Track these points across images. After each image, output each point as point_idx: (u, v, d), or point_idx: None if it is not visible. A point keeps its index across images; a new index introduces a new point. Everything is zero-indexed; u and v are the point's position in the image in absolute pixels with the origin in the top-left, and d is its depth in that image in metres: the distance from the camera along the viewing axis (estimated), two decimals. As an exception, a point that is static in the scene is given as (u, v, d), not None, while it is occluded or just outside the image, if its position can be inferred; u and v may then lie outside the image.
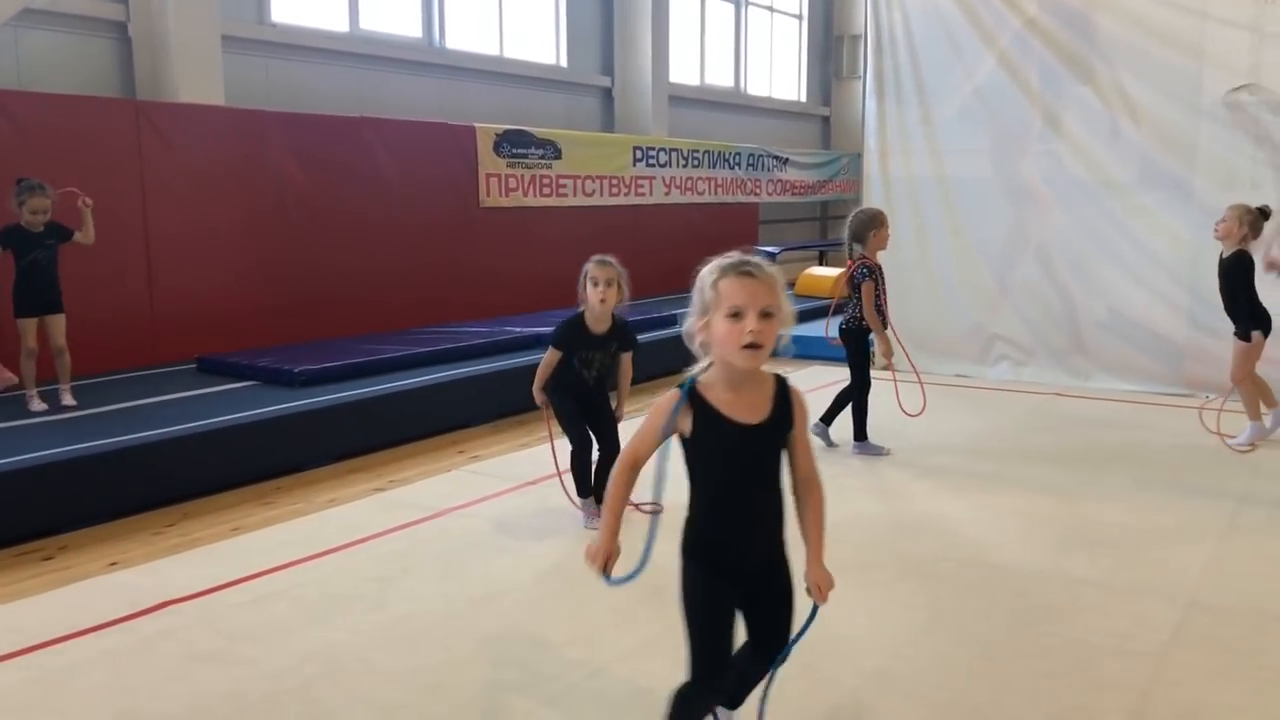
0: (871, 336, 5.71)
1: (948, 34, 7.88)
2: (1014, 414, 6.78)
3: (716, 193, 13.12)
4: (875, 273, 5.69)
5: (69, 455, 4.72)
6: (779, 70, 15.83)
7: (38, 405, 5.60)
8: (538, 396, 4.66)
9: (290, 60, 8.78)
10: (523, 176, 10.19)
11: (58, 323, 5.72)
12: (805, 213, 16.18)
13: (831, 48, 16.60)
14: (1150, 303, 7.36)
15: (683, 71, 13.37)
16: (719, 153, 13.14)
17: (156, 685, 3.09)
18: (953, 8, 7.81)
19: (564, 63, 11.88)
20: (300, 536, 4.50)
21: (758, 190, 13.97)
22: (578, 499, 4.74)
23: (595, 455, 4.72)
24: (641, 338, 7.97)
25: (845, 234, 5.86)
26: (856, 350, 5.79)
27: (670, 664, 2.54)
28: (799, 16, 16.11)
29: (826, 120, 16.81)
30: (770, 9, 15.49)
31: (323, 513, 4.90)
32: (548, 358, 4.62)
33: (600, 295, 4.50)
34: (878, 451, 5.79)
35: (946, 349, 8.06)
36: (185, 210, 7.32)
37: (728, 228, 13.40)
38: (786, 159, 14.60)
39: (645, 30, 12.24)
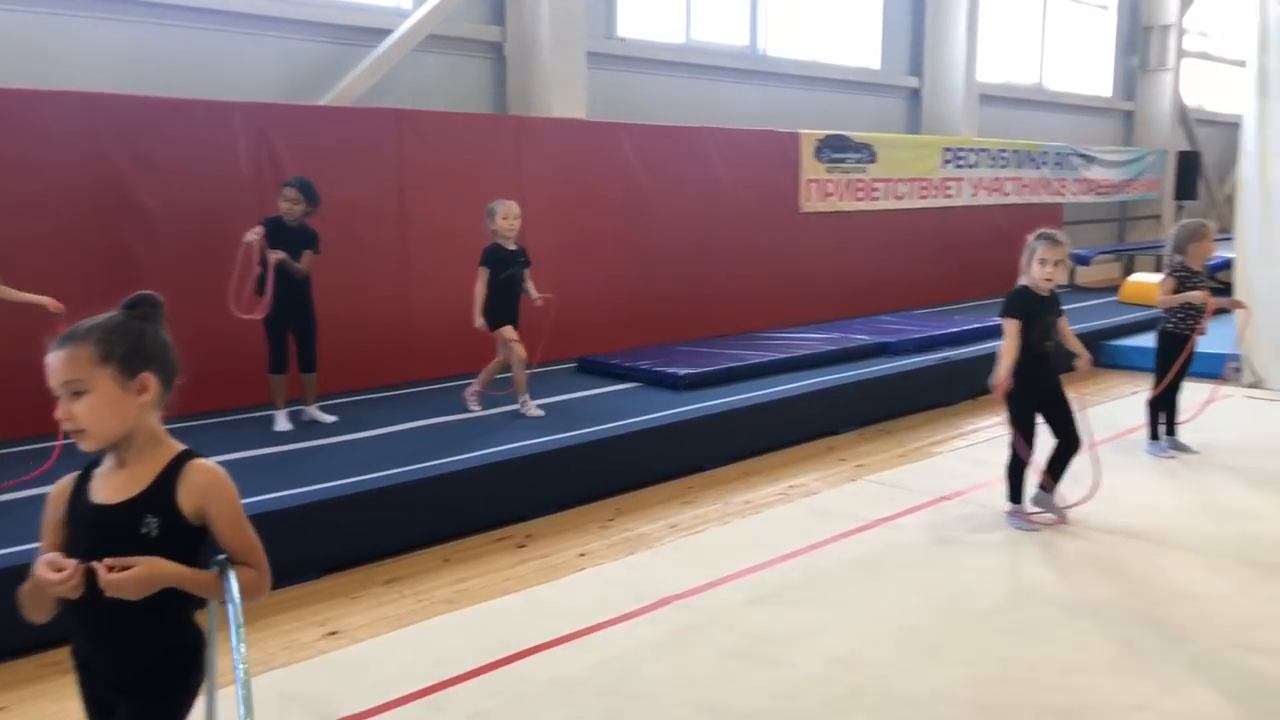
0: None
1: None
2: None
3: (1022, 193, 12.69)
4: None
5: (531, 450, 5.16)
6: (1082, 63, 15.10)
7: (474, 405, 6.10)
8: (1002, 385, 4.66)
9: (633, 72, 9.16)
10: (840, 181, 10.22)
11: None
12: (1105, 213, 15.38)
13: (1139, 38, 15.67)
14: None
15: (985, 68, 12.98)
16: (1026, 152, 12.71)
17: (714, 680, 3.33)
18: (1357, -2, 7.22)
19: (876, 65, 11.80)
20: (750, 540, 4.71)
21: (1062, 190, 13.41)
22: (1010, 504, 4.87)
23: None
24: (969, 350, 7.79)
25: (1168, 244, 6.04)
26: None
27: None
28: (1105, 6, 15.30)
29: (1129, 115, 15.90)
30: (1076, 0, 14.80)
31: (749, 517, 5.11)
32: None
33: (1048, 274, 4.62)
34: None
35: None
36: (555, 220, 7.78)
37: (1032, 230, 12.93)
38: (1092, 157, 13.94)
39: (958, 27, 11.97)
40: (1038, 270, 4.67)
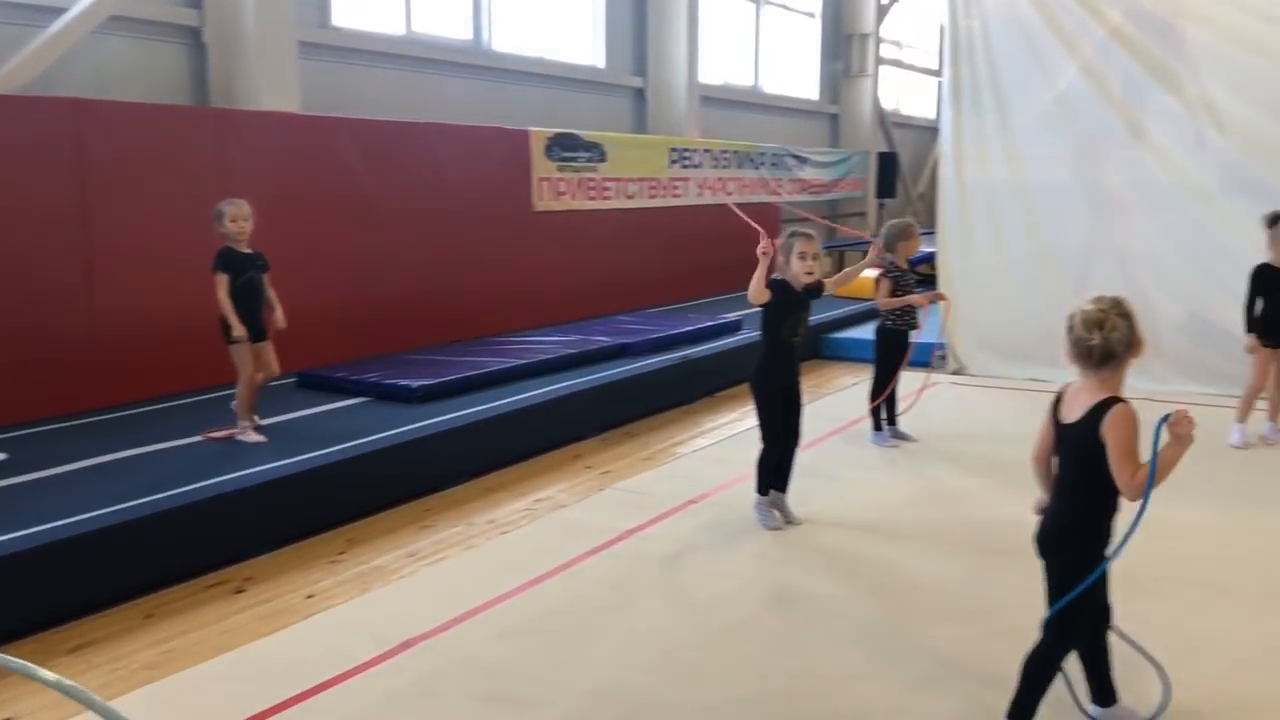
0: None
1: (1028, 42, 7.96)
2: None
3: (744, 193, 13.13)
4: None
5: (246, 482, 4.61)
6: (793, 68, 15.87)
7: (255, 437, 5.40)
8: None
9: (351, 64, 8.60)
10: (571, 180, 10.11)
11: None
12: (816, 212, 16.24)
13: (841, 46, 16.67)
14: (1230, 307, 7.49)
15: (706, 70, 13.31)
16: (745, 153, 13.16)
17: (467, 732, 3.03)
18: (1034, 15, 7.90)
19: (601, 64, 11.79)
20: (497, 564, 4.42)
21: (779, 189, 14.00)
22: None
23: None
24: (705, 347, 7.98)
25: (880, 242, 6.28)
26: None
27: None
28: (811, 14, 16.15)
29: (835, 118, 16.89)
30: (786, 7, 15.50)
31: (495, 539, 4.83)
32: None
33: (809, 268, 4.69)
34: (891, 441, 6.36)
35: (1020, 352, 8.15)
36: (268, 222, 7.12)
37: (749, 230, 13.44)
38: (805, 158, 14.66)
39: (679, 29, 12.19)
40: (798, 265, 4.70)
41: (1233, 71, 7.29)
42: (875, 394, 6.35)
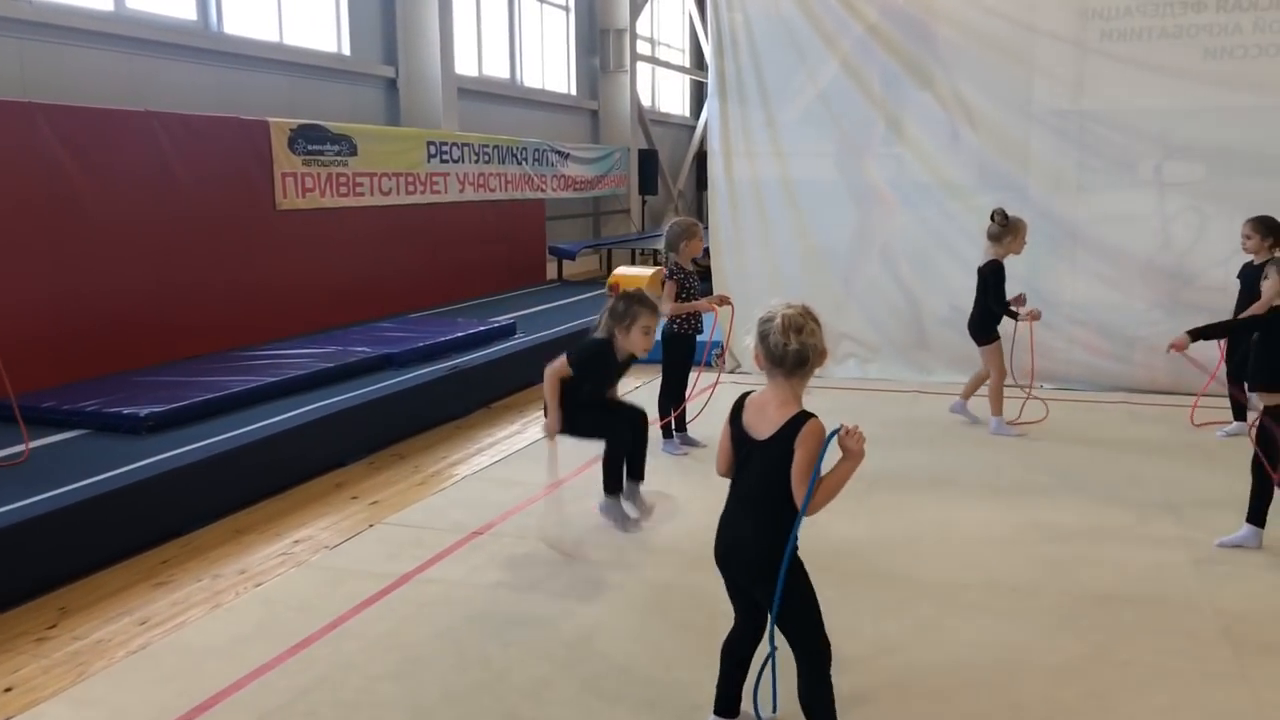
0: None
1: (790, 37, 7.94)
2: (893, 415, 6.96)
3: (507, 189, 12.65)
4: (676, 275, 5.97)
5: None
6: (550, 62, 15.51)
7: None
8: None
9: (51, 42, 7.43)
10: (320, 175, 9.29)
11: None
12: (581, 209, 16.01)
13: (597, 40, 16.47)
14: (987, 297, 7.79)
15: (462, 62, 12.71)
16: (508, 148, 12.67)
17: None
18: (794, 11, 7.88)
19: (347, 50, 10.95)
20: (250, 628, 3.75)
21: (543, 186, 13.62)
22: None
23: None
24: (478, 354, 7.56)
25: (663, 243, 6.12)
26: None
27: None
28: (566, 8, 15.84)
29: (595, 114, 16.68)
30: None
31: (247, 593, 4.14)
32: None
33: (646, 345, 4.62)
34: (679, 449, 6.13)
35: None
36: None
37: (519, 226, 13.01)
38: (568, 154, 14.35)
39: (431, 16, 11.52)
40: (639, 339, 4.51)
41: (980, 70, 7.54)
42: (665, 401, 6.07)
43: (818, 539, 4.16)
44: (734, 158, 8.24)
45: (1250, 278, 5.85)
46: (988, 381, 6.48)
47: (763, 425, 2.65)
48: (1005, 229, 6.24)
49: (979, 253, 6.64)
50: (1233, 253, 7.13)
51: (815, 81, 7.95)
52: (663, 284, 5.96)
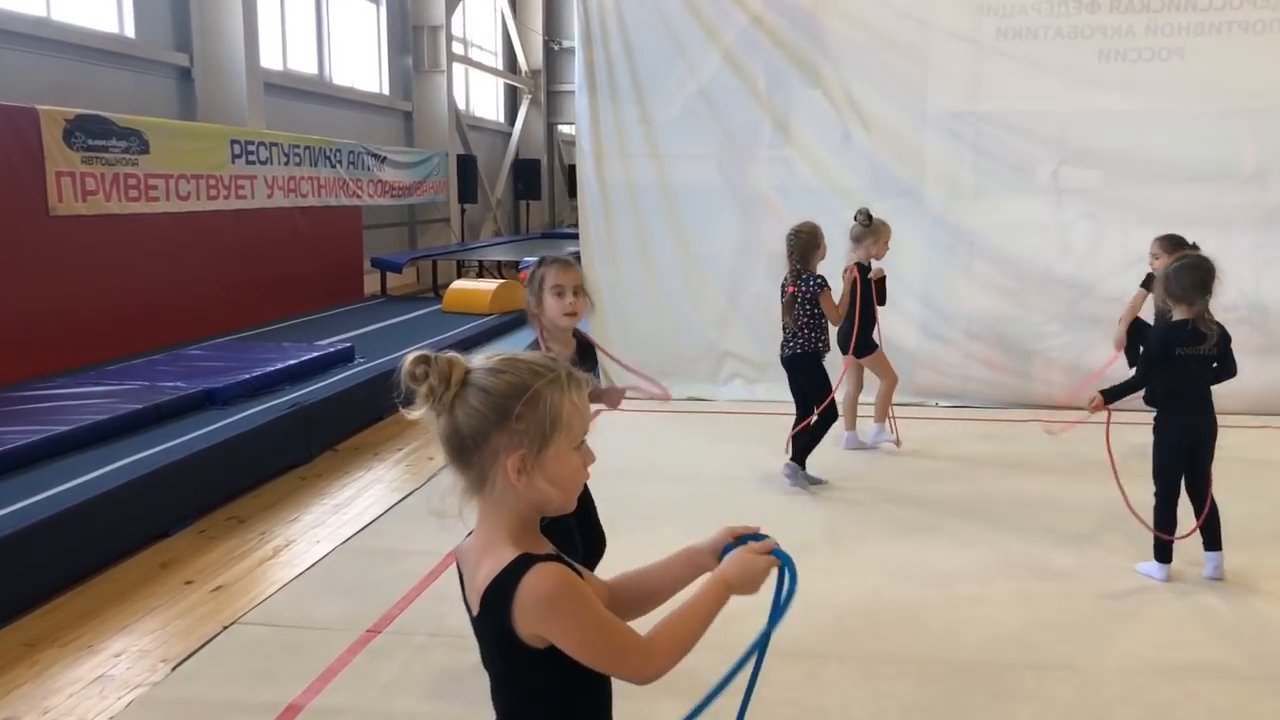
0: None
1: (667, 27, 7.19)
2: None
3: (320, 194, 11.30)
4: None
5: None
6: (361, 59, 14.17)
7: None
8: None
9: None
10: (104, 175, 7.78)
11: None
12: (398, 217, 14.73)
13: (410, 38, 15.23)
14: (882, 312, 7.29)
15: (267, 53, 11.26)
16: (320, 149, 11.33)
17: None
18: (672, -2, 7.13)
19: (130, 32, 9.36)
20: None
21: (359, 192, 12.32)
22: None
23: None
24: (316, 386, 6.43)
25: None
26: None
27: None
28: (375, 1, 14.53)
29: (409, 116, 15.41)
30: (348, -11, 13.77)
31: (60, 746, 2.93)
32: None
33: (569, 308, 3.28)
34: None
35: (677, 370, 7.37)
36: None
37: (333, 235, 11.68)
38: (384, 157, 13.08)
39: (233, 1, 10.07)
40: (554, 304, 3.29)
41: (872, 67, 7.04)
42: None
43: (727, 611, 3.41)
44: (606, 159, 7.40)
45: None
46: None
47: (472, 590, 1.54)
48: (868, 230, 5.72)
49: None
50: (1131, 262, 6.91)
51: (695, 77, 7.23)
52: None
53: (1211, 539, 4.10)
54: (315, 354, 7.18)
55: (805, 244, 5.34)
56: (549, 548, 1.55)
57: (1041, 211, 7.06)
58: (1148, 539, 4.16)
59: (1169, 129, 6.73)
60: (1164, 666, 3.41)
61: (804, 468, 5.34)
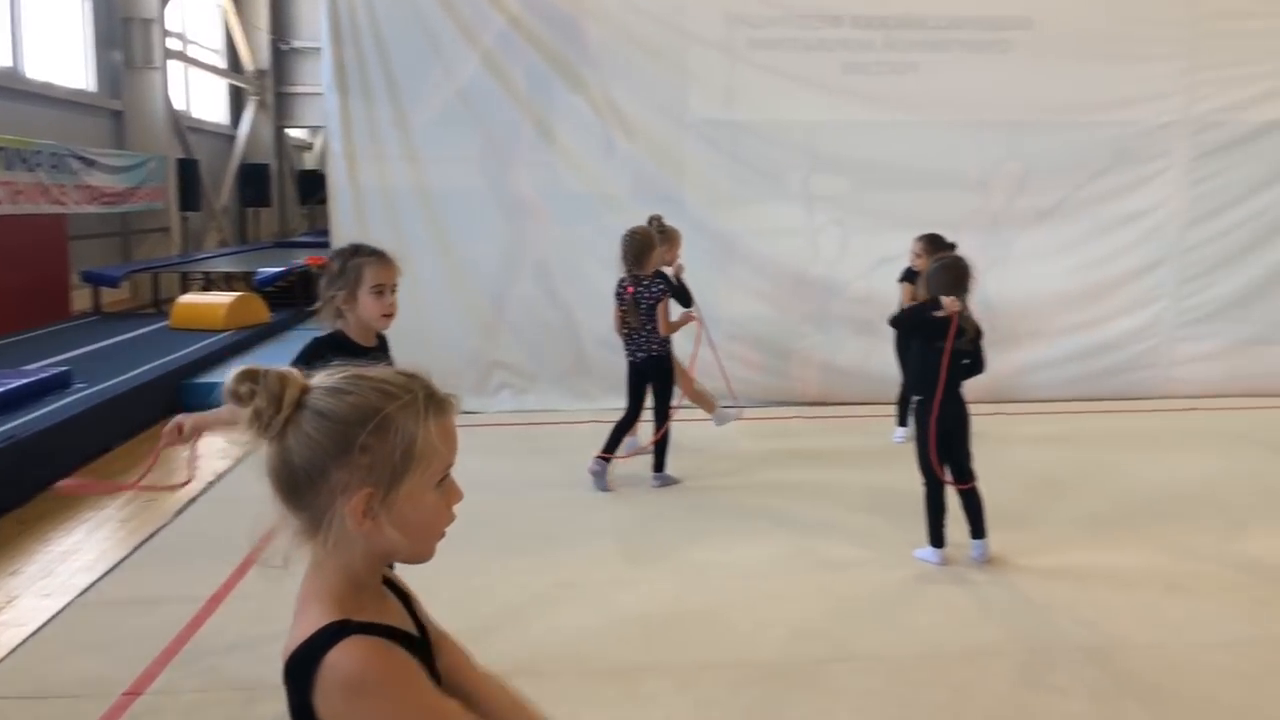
0: None
1: (422, 25, 6.88)
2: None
3: (17, 201, 10.04)
4: None
5: None
6: (62, 52, 12.74)
7: None
8: None
9: None
10: None
11: None
12: (110, 226, 13.36)
13: (119, 31, 13.87)
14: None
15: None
16: (15, 150, 10.06)
17: None
18: (426, -6, 6.84)
19: None
20: None
21: (64, 198, 11.05)
22: None
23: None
24: (30, 417, 5.81)
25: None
26: None
27: None
28: (77, -13, 13.14)
29: (120, 115, 14.02)
30: (44, -28, 12.34)
31: None
32: None
33: (388, 308, 3.03)
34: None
35: (441, 382, 7.06)
36: None
37: (34, 247, 10.42)
38: (93, 161, 11.81)
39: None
40: (372, 305, 2.95)
41: (633, 73, 7.04)
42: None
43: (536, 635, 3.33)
44: (359, 161, 6.98)
45: None
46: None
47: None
48: (662, 236, 5.78)
49: None
50: (876, 264, 7.34)
51: (453, 78, 6.96)
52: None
53: (976, 526, 4.35)
54: (24, 380, 6.29)
55: (640, 245, 5.31)
56: (388, 609, 1.29)
57: (794, 217, 7.33)
58: (921, 525, 4.35)
59: (907, 139, 7.17)
60: (957, 648, 3.55)
61: (664, 469, 5.44)
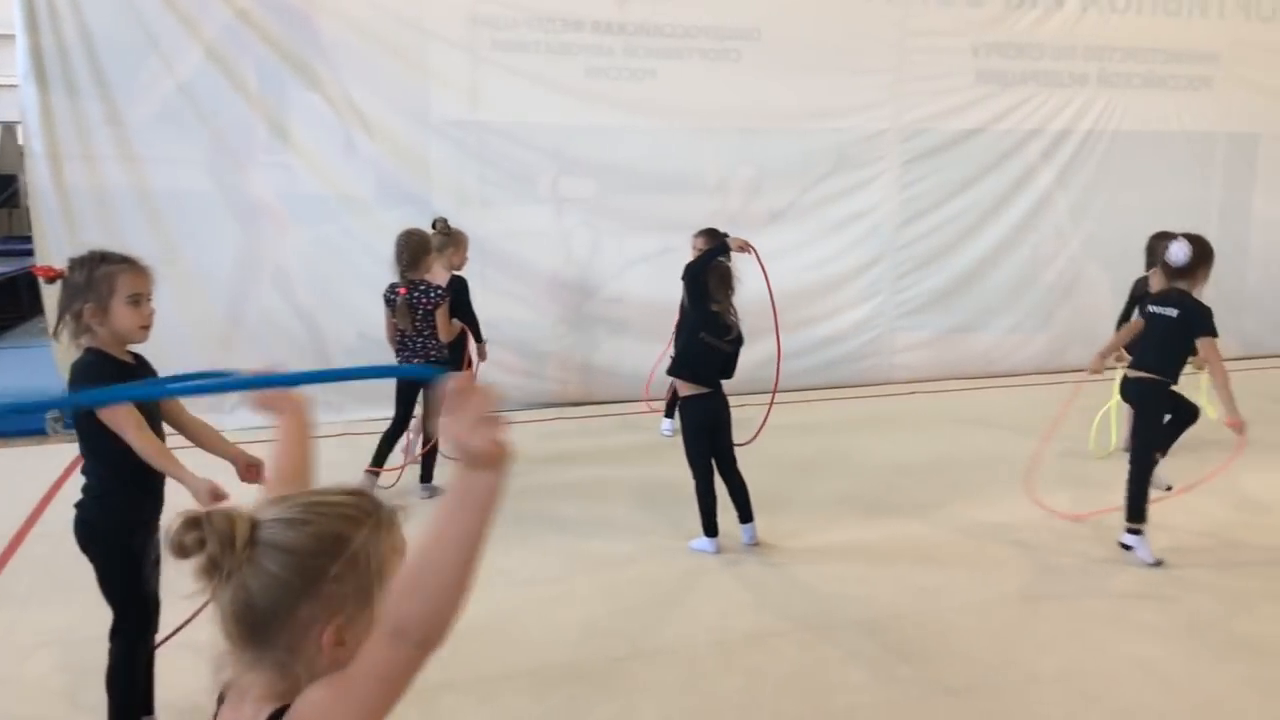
0: None
1: (135, 14, 6.28)
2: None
3: None
4: None
5: None
6: None
7: None
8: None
9: None
10: None
11: None
12: None
13: None
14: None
15: None
16: None
17: None
18: (139, -20, 6.27)
19: None
20: None
21: None
22: None
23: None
24: None
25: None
26: None
27: None
28: None
29: None
30: None
31: None
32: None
33: (146, 319, 2.76)
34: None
35: (207, 401, 6.53)
36: None
37: None
38: None
39: None
40: (129, 316, 2.63)
41: (372, 72, 6.78)
42: None
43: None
44: (65, 161, 6.30)
45: None
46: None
47: None
48: (449, 239, 5.69)
49: (386, 273, 5.87)
50: (626, 265, 7.53)
51: (174, 72, 6.41)
52: None
53: (744, 511, 4.55)
54: None
55: (415, 247, 5.14)
56: None
57: (545, 219, 7.34)
58: (695, 516, 4.49)
59: (650, 143, 7.36)
60: (743, 633, 3.70)
61: (432, 479, 5.28)
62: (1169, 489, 4.98)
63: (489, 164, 7.15)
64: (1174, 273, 4.36)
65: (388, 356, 5.54)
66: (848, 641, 3.62)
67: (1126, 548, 4.40)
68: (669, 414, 6.58)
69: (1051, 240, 8.34)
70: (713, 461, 4.48)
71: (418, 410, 5.44)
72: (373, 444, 5.31)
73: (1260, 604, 3.97)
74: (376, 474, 5.23)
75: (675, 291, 6.49)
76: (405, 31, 6.82)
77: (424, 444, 5.38)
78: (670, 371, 4.68)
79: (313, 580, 1.16)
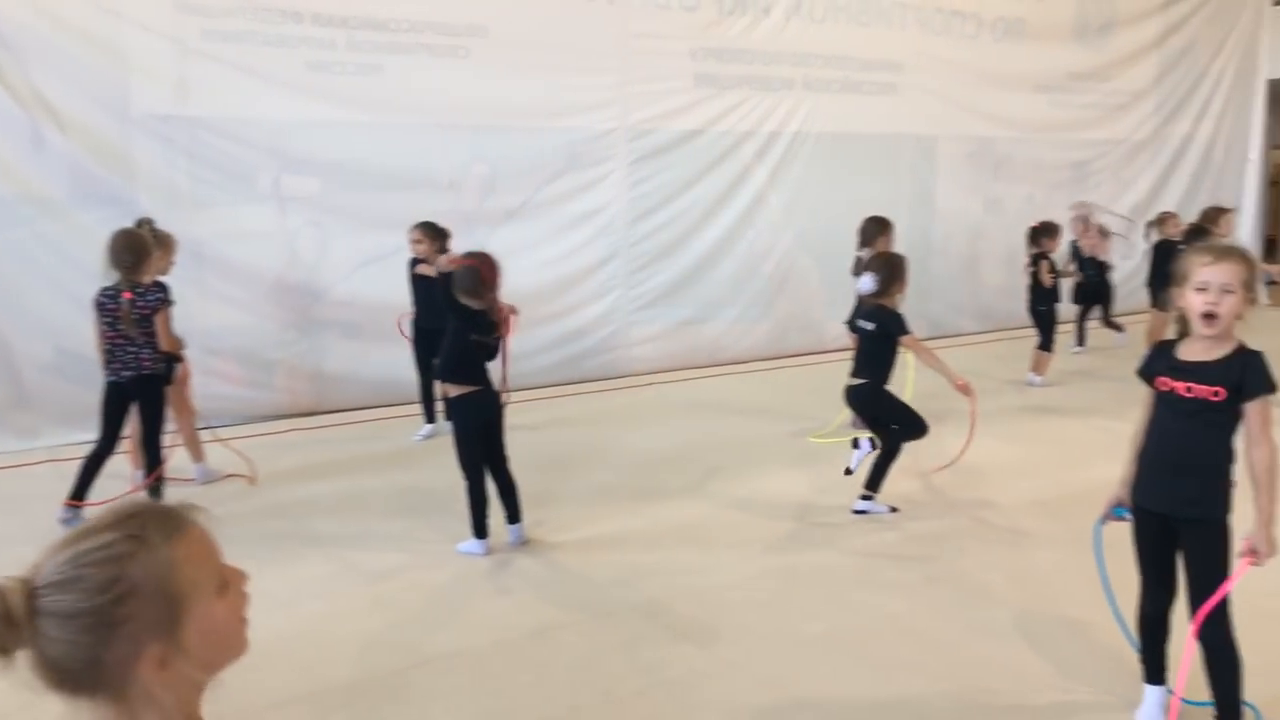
0: None
1: None
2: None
3: None
4: None
5: None
6: None
7: None
8: None
9: None
10: None
11: None
12: None
13: None
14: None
15: None
16: None
17: None
18: None
19: None
20: None
21: None
22: None
23: None
24: None
25: None
26: None
27: None
28: None
29: None
30: None
31: None
32: None
33: None
34: None
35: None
36: None
37: None
38: None
39: None
40: None
41: (63, 61, 6.09)
42: None
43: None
44: None
45: None
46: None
47: None
48: (155, 242, 5.23)
49: (87, 280, 5.30)
50: (358, 265, 7.25)
51: None
52: None
53: (513, 511, 4.52)
54: None
55: (138, 248, 4.72)
56: None
57: (267, 219, 6.90)
58: (457, 519, 4.42)
59: (377, 140, 7.11)
60: (526, 629, 3.67)
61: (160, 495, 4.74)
62: (848, 472, 5.05)
63: (202, 161, 6.64)
64: (870, 297, 4.87)
65: (96, 370, 5.00)
66: (629, 626, 3.69)
67: (860, 512, 4.81)
68: (429, 418, 6.42)
69: (767, 235, 8.88)
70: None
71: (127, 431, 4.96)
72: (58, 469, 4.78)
73: (969, 544, 4.45)
74: (78, 508, 4.68)
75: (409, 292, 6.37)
76: (98, 18, 6.22)
77: (147, 472, 4.88)
78: (439, 376, 4.58)
79: (106, 630, 1.10)
